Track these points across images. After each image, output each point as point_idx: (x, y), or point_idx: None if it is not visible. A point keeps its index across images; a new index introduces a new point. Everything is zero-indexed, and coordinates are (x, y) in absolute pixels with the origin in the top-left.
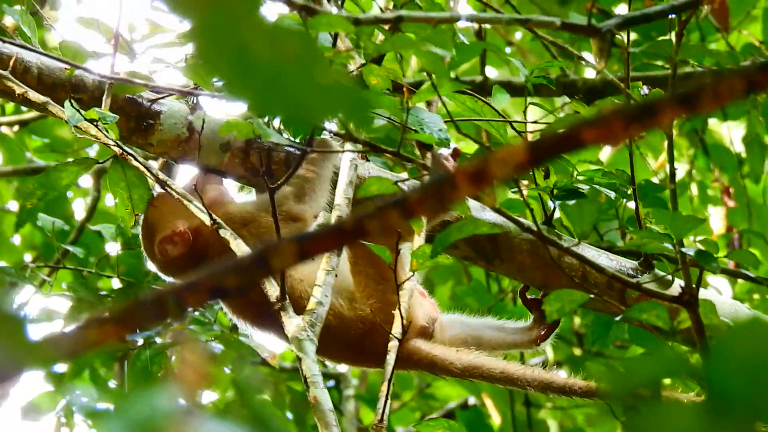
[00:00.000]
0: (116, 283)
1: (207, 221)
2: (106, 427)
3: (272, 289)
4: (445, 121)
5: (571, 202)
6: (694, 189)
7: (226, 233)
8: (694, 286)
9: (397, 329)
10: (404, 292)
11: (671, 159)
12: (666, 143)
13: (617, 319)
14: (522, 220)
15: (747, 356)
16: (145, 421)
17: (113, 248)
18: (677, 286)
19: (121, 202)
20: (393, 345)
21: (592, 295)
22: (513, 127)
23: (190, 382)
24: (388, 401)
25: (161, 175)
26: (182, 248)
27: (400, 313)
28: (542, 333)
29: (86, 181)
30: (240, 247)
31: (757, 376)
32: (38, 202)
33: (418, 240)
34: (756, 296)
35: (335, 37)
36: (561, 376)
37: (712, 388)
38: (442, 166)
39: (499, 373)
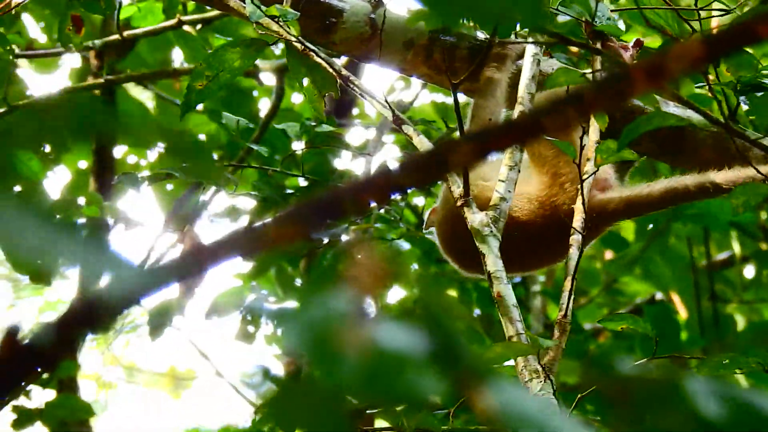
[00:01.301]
0: (302, 182)
1: (390, 116)
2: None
3: (455, 187)
4: (620, 10)
5: (759, 94)
6: None
7: (408, 129)
8: None
9: (578, 222)
10: (586, 185)
11: None
12: None
13: None
14: (708, 112)
15: None
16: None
17: (298, 146)
18: None
19: (306, 88)
20: (576, 239)
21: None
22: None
23: (368, 283)
24: (572, 296)
25: (344, 71)
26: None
27: (583, 206)
28: None
29: (269, 79)
30: (423, 143)
31: None
32: (208, 83)
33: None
34: None
35: None
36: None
37: None
38: (620, 59)
39: (695, 186)
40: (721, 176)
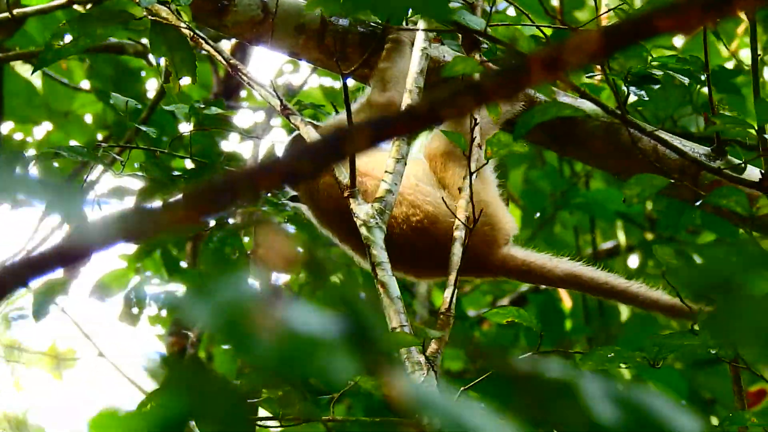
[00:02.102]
0: (189, 164)
1: (276, 104)
2: (190, 311)
3: (342, 177)
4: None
5: (656, 87)
6: (766, 75)
7: (296, 119)
8: None
9: (462, 216)
10: (477, 180)
11: (754, 45)
12: (740, 29)
13: (697, 203)
14: (603, 103)
15: None
16: (230, 304)
17: (186, 128)
18: (752, 173)
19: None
20: (459, 234)
21: (672, 180)
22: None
23: (272, 263)
24: (456, 290)
25: (232, 59)
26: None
27: (471, 201)
28: None
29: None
30: (310, 134)
31: None
32: (66, 44)
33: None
34: None
35: None
36: (666, 297)
37: None
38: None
39: (603, 284)
40: (624, 285)
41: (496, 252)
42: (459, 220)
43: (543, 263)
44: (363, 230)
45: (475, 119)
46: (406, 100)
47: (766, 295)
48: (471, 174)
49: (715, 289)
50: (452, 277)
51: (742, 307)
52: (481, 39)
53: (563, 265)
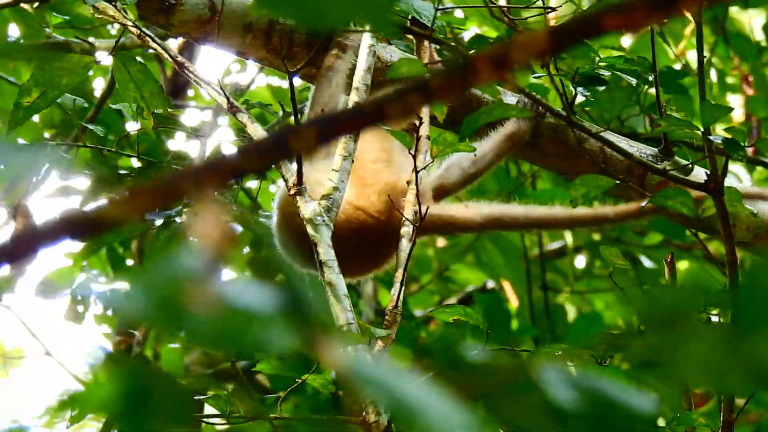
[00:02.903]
0: (136, 162)
1: (223, 103)
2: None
3: (289, 175)
4: (448, 8)
5: (602, 88)
6: (713, 76)
7: (243, 117)
8: (719, 174)
9: (410, 214)
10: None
11: (700, 46)
12: (687, 30)
13: (643, 204)
14: (549, 104)
15: None
16: (167, 281)
17: (133, 127)
18: (698, 174)
19: (135, 101)
20: (406, 231)
21: (617, 181)
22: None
23: (212, 239)
24: (403, 287)
25: (179, 57)
26: None
27: (417, 199)
28: None
29: (107, 59)
30: (256, 131)
31: None
32: (36, 100)
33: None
34: None
35: None
36: (587, 210)
37: (741, 314)
38: (463, 52)
39: (523, 218)
40: (544, 212)
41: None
42: (405, 217)
43: (460, 212)
44: (309, 228)
45: (420, 118)
46: (353, 98)
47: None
48: (417, 172)
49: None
50: (399, 274)
51: (693, 337)
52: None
53: (481, 208)
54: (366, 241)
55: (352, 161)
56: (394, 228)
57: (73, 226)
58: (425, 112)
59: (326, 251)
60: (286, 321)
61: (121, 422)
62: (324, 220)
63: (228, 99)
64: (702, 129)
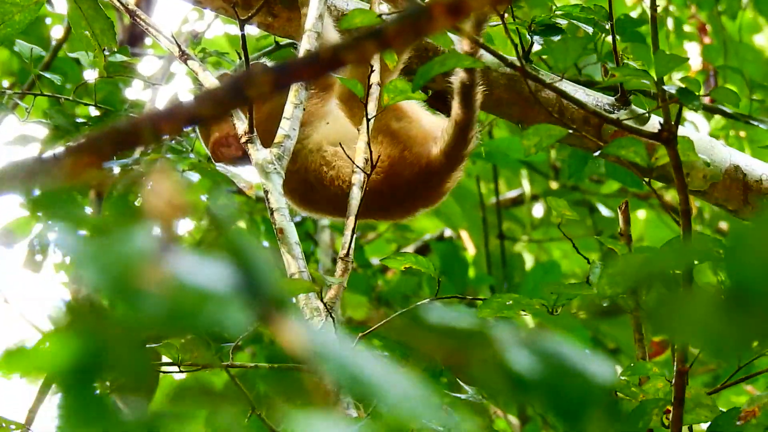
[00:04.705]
0: (94, 111)
1: (176, 51)
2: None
3: (240, 123)
4: None
5: (557, 38)
6: (670, 25)
7: (194, 64)
8: (673, 123)
9: (360, 161)
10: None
11: None
12: None
13: (596, 154)
14: (502, 54)
15: None
16: (120, 260)
17: (91, 75)
18: (654, 122)
19: (87, 39)
20: (357, 178)
21: (570, 131)
22: None
23: (164, 213)
24: (354, 234)
25: (131, 5)
26: (237, 150)
27: (369, 147)
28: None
29: (63, 6)
30: (208, 79)
31: None
32: None
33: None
34: (731, 133)
35: None
36: None
37: (733, 277)
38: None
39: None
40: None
41: (426, 162)
42: (355, 164)
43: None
44: (261, 176)
45: (372, 66)
46: (305, 45)
47: (706, 287)
48: (368, 120)
49: (656, 280)
50: (350, 221)
51: (685, 299)
52: None
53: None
54: (407, 187)
55: (304, 109)
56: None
57: (35, 173)
58: (376, 59)
59: (277, 199)
60: (241, 298)
61: (66, 383)
62: (276, 168)
63: (179, 47)
64: (656, 78)
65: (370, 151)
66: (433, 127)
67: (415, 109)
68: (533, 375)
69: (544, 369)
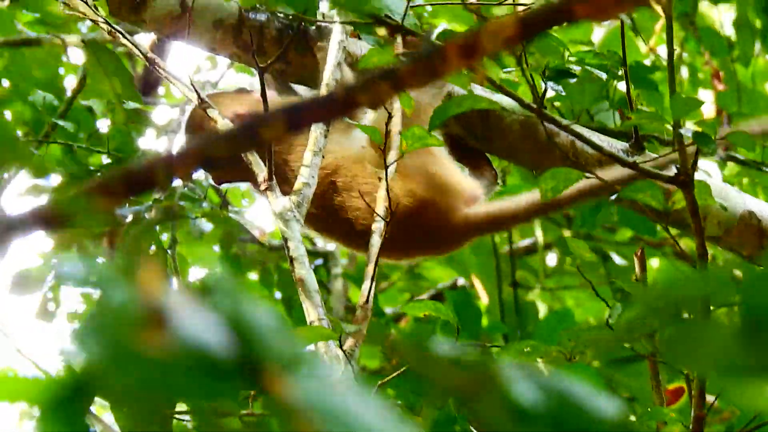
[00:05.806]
0: (106, 160)
1: (194, 99)
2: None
3: (259, 170)
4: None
5: (573, 80)
6: (684, 72)
7: (213, 113)
8: (689, 167)
9: (381, 209)
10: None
11: (670, 39)
12: (657, 26)
13: (612, 198)
14: (519, 96)
15: None
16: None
17: (104, 124)
18: (669, 167)
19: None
20: (377, 226)
21: (587, 174)
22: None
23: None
24: (374, 282)
25: (150, 53)
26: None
27: (387, 194)
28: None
29: (78, 56)
30: (227, 126)
31: None
32: (8, 93)
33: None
34: (745, 180)
35: None
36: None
37: (749, 311)
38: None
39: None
40: (585, 183)
41: (455, 216)
42: (376, 212)
43: (505, 206)
44: (279, 224)
45: (390, 113)
46: (324, 94)
47: (722, 320)
48: (387, 167)
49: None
50: (370, 269)
51: (703, 331)
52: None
53: (520, 199)
54: (420, 229)
55: (323, 157)
56: (457, 225)
57: (45, 216)
58: (397, 108)
59: (296, 247)
60: (237, 361)
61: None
62: (294, 216)
63: (198, 94)
64: (672, 122)
65: (389, 200)
66: (466, 184)
67: (445, 156)
68: (537, 409)
69: (549, 403)
